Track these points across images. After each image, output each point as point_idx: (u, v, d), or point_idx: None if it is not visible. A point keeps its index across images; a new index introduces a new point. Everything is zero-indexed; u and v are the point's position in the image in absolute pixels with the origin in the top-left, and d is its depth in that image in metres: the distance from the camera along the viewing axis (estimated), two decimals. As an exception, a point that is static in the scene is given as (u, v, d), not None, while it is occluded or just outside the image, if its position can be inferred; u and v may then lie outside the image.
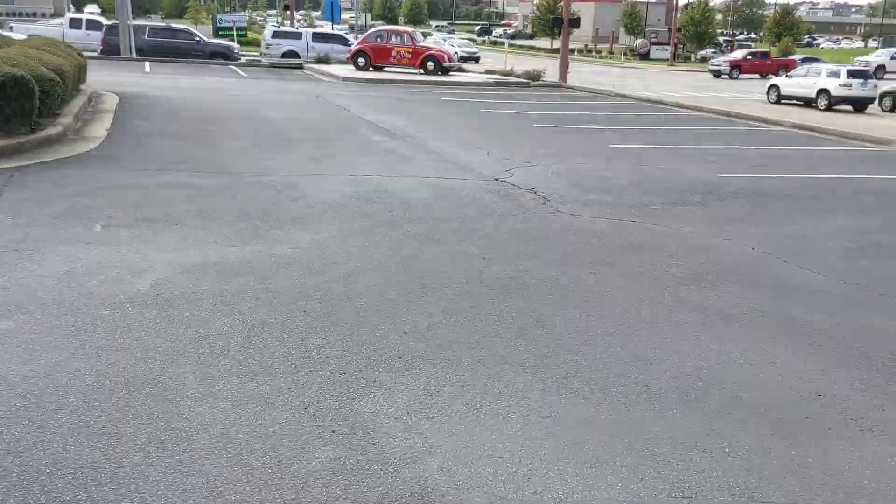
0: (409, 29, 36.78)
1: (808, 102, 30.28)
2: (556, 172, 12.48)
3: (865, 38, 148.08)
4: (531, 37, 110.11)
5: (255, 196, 9.47)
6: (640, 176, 12.55)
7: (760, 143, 18.20)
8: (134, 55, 35.45)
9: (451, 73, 34.15)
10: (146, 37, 35.76)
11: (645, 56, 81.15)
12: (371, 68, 33.85)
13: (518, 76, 35.20)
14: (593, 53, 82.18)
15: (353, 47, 34.83)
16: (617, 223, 9.16)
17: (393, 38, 33.94)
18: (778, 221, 9.78)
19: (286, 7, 66.10)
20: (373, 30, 36.05)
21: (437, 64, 33.30)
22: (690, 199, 10.86)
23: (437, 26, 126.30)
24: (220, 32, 55.40)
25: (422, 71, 33.42)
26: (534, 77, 33.79)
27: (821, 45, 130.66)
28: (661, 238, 8.54)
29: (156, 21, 58.06)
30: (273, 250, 7.18)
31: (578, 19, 36.67)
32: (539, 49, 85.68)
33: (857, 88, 29.66)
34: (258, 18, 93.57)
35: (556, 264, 7.27)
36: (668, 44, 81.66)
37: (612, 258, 7.62)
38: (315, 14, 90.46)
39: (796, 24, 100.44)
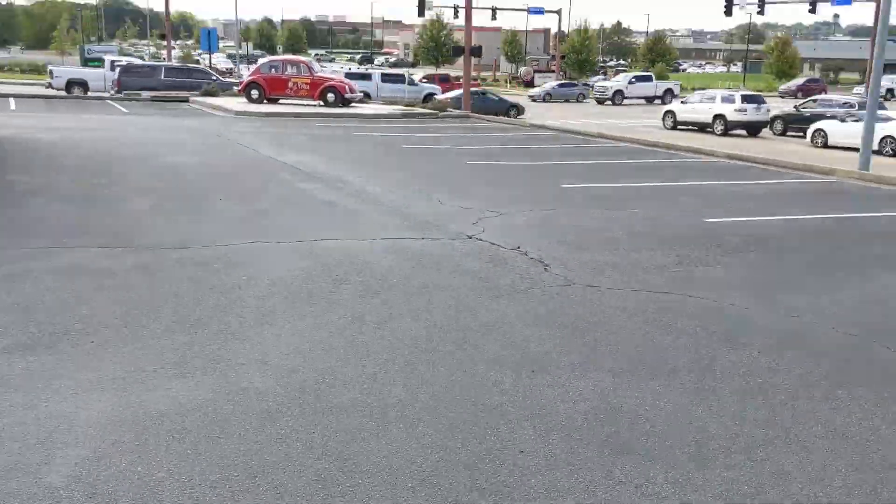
0: (305, 59, 34.48)
1: (703, 128, 30.05)
2: (530, 224, 10.66)
3: (727, 62, 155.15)
4: (413, 65, 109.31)
5: (188, 281, 7.16)
6: (622, 225, 10.87)
7: (707, 176, 16.99)
8: (-5, 90, 31.78)
9: (352, 104, 32.08)
10: None
11: (529, 84, 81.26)
12: (265, 101, 31.36)
13: (423, 107, 33.49)
14: (476, 81, 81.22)
15: (246, 78, 32.28)
16: (649, 297, 7.36)
17: (289, 69, 31.56)
18: (829, 284, 8.22)
19: (162, 36, 62.46)
20: (265, 60, 33.55)
21: (338, 95, 31.18)
22: (703, 256, 9.21)
23: (315, 55, 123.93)
24: (88, 64, 51.58)
25: (321, 103, 31.20)
26: (440, 108, 32.13)
27: (686, 70, 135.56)
28: (717, 318, 6.78)
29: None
30: (240, 383, 4.95)
31: (480, 48, 35.38)
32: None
33: (752, 113, 29.57)
34: (130, 49, 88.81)
35: (638, 381, 5.33)
36: (551, 71, 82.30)
37: (692, 358, 5.76)
38: (189, 43, 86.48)
39: (668, 51, 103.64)
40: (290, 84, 31.27)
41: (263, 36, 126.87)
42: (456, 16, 68.94)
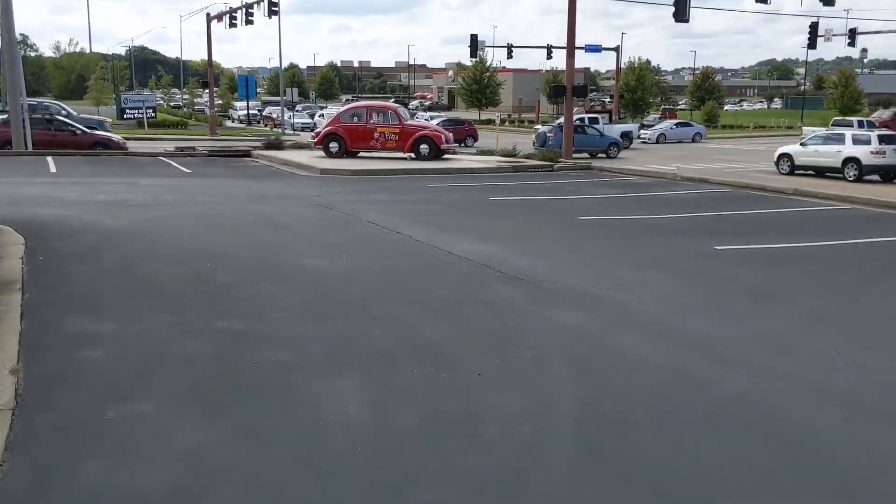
0: (394, 105, 29.09)
1: (820, 172, 24.65)
2: None
3: (769, 98, 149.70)
4: (448, 108, 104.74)
5: None
6: None
7: None
8: (30, 147, 26.67)
9: (445, 156, 26.79)
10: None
11: (580, 125, 76.00)
12: (345, 154, 26.07)
13: (527, 157, 28.14)
14: (515, 123, 75.77)
15: (323, 129, 27.09)
16: None
17: (374, 117, 26.33)
18: None
19: (204, 83, 57.80)
20: (348, 107, 28.07)
21: (434, 147, 25.83)
22: None
23: (346, 99, 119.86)
24: (124, 115, 46.82)
25: (412, 155, 25.87)
26: (551, 158, 26.71)
27: (725, 108, 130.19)
28: None
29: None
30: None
31: (585, 87, 30.05)
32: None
33: (892, 156, 24.05)
34: (160, 98, 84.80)
35: None
36: (606, 111, 77.09)
37: None
38: (215, 90, 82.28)
39: (717, 87, 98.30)
40: (377, 134, 26.04)
41: (294, 82, 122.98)
42: (510, 56, 63.98)
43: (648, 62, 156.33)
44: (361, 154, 26.90)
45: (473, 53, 61.76)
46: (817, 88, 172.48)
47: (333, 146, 26.29)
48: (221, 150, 28.93)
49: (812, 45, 49.76)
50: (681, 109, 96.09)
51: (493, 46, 65.13)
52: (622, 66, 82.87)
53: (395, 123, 26.13)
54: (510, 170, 24.83)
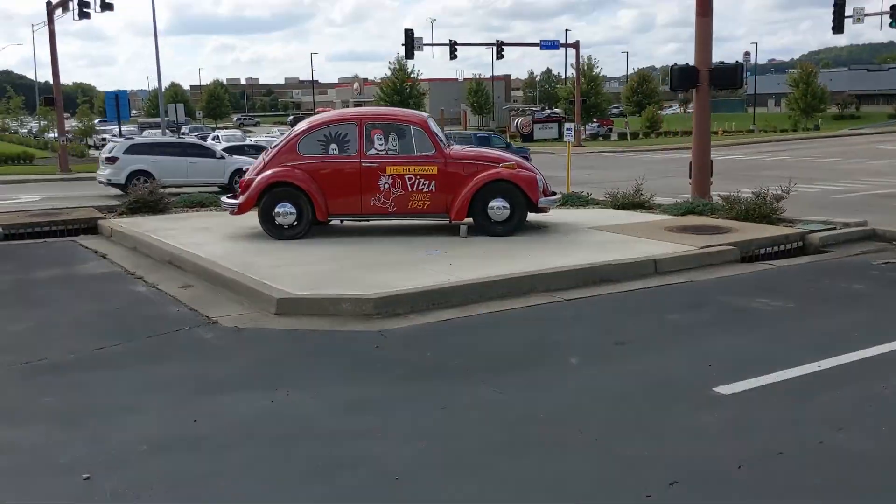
0: (420, 115, 12.86)
1: None
2: None
3: (684, 103, 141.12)
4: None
5: None
6: None
7: None
8: None
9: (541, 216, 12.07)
10: None
11: (528, 137, 62.72)
12: (308, 228, 11.18)
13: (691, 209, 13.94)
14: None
15: (256, 173, 11.84)
16: None
17: (379, 141, 11.47)
18: None
19: (49, 101, 41.24)
20: (316, 122, 12.18)
21: (521, 203, 11.16)
22: None
23: (237, 119, 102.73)
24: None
25: (465, 226, 11.11)
26: (767, 213, 12.36)
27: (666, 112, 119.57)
28: None
29: None
30: None
31: (736, 70, 16.22)
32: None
33: None
34: (12, 125, 66.29)
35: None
36: (553, 121, 64.23)
37: None
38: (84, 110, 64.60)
39: (653, 92, 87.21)
40: (385, 182, 11.34)
41: (177, 101, 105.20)
42: (454, 56, 49.91)
43: (549, 70, 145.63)
44: (348, 224, 12.01)
45: (409, 53, 47.49)
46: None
47: (286, 214, 11.34)
48: (34, 225, 13.43)
49: (838, 28, 38.40)
50: (615, 115, 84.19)
51: (433, 44, 50.99)
52: (553, 72, 69.72)
53: (429, 154, 11.38)
54: (708, 259, 10.44)
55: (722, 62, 16.68)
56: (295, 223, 11.35)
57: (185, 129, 65.35)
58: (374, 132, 11.47)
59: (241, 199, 11.45)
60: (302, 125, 11.90)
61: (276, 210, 11.35)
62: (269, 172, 11.47)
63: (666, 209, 13.47)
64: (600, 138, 62.93)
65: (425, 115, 11.90)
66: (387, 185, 11.30)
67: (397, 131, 11.45)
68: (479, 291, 8.05)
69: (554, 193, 12.10)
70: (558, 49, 55.38)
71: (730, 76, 16.13)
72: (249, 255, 9.98)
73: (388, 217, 11.52)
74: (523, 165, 11.87)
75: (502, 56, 52.29)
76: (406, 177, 11.28)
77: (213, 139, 48.67)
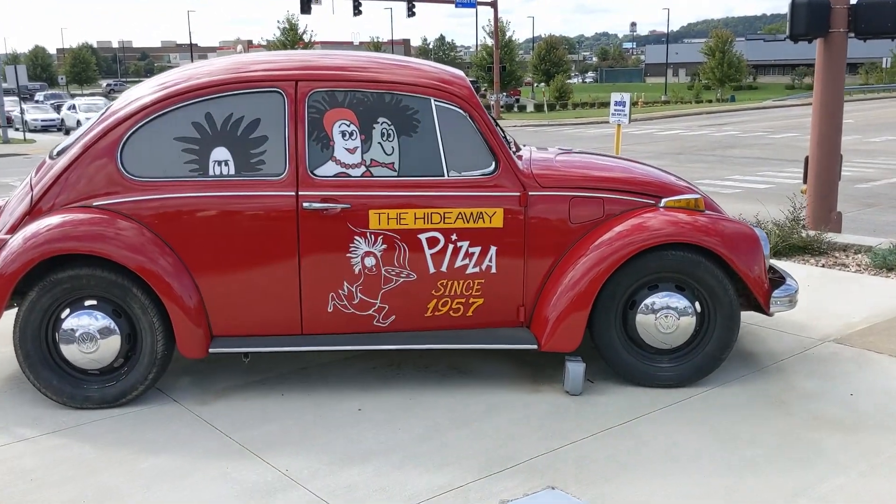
0: (451, 75, 4.49)
1: None
2: None
3: (582, 72, 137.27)
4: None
5: None
6: None
7: None
8: None
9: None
10: None
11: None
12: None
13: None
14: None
15: (22, 232, 4.18)
16: None
17: (349, 140, 3.97)
18: None
19: None
20: (178, 86, 4.15)
21: (739, 298, 4.04)
22: None
23: (107, 85, 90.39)
24: None
25: (576, 358, 4.05)
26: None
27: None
28: None
29: None
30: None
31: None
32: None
33: None
34: None
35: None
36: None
37: None
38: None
39: (562, 60, 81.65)
40: (379, 249, 3.88)
41: (38, 65, 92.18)
42: (358, 12, 42.32)
43: (443, 38, 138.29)
44: (267, 359, 4.40)
45: (305, 8, 39.70)
46: (601, 60, 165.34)
47: (91, 338, 3.95)
48: None
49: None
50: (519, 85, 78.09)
51: (334, -1, 42.96)
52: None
53: (482, 176, 4.12)
54: None
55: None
56: (117, 363, 4.05)
57: (38, 95, 54.64)
58: (333, 117, 4.12)
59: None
60: (144, 94, 4.34)
61: (66, 325, 3.98)
62: (44, 225, 4.00)
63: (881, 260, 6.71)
64: (515, 109, 56.45)
65: (461, 74, 4.54)
66: (370, 262, 4.03)
67: (395, 116, 4.17)
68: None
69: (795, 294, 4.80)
70: (474, 7, 48.26)
71: (885, 16, 9.45)
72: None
73: (373, 340, 4.22)
74: (711, 204, 4.76)
75: (413, 14, 44.64)
76: (422, 236, 4.05)
77: (69, 109, 39.36)
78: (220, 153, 4.18)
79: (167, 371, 4.40)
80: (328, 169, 4.18)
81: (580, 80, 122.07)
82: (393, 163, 4.21)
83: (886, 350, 4.81)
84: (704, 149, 23.68)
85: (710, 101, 61.09)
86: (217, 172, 4.17)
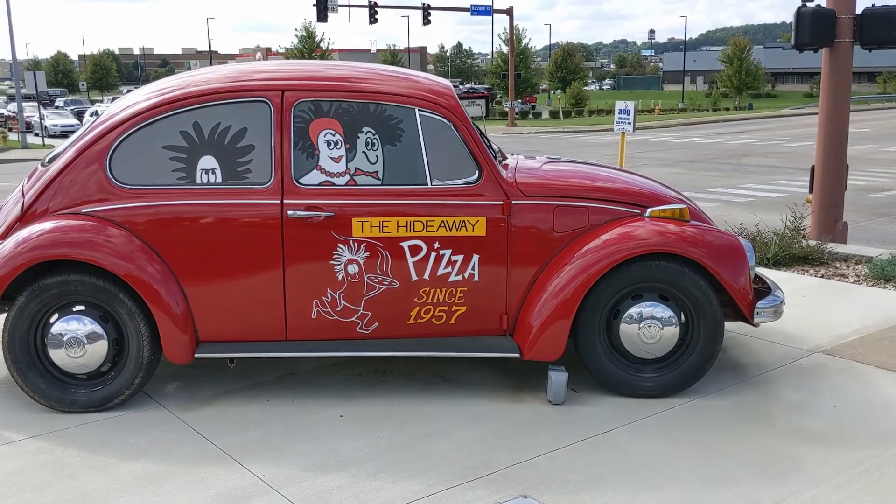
0: (437, 84, 4.54)
1: None
2: None
3: (599, 79, 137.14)
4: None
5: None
6: None
7: None
8: None
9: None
10: None
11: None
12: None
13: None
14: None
15: (13, 236, 4.26)
16: None
17: (334, 150, 4.07)
18: None
19: None
20: (168, 94, 4.26)
21: (723, 308, 4.15)
22: None
23: (128, 91, 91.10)
24: None
25: (559, 368, 4.27)
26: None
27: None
28: None
29: None
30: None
31: None
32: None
33: None
34: None
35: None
36: (479, 97, 57.27)
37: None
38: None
39: (578, 68, 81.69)
40: (362, 256, 4.04)
41: (59, 71, 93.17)
42: (374, 20, 42.52)
43: (460, 45, 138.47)
44: (251, 365, 4.40)
45: (322, 16, 39.95)
46: (619, 68, 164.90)
47: (79, 343, 4.11)
48: None
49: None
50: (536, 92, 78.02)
51: (349, 5, 43.08)
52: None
53: (465, 184, 4.17)
54: None
55: (873, 3, 9.92)
56: (104, 368, 4.10)
57: (59, 101, 55.30)
58: (319, 126, 4.16)
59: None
60: (138, 101, 4.41)
61: (54, 330, 4.04)
62: (35, 231, 4.07)
63: (879, 271, 6.65)
64: (530, 116, 56.44)
65: (448, 84, 4.55)
66: (353, 269, 4.06)
67: (379, 125, 4.20)
68: None
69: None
70: (490, 14, 48.52)
71: (890, 26, 9.40)
72: None
73: (356, 347, 4.25)
74: (698, 213, 4.76)
75: (429, 22, 44.82)
76: (405, 244, 4.07)
77: (91, 115, 39.80)
78: (208, 161, 4.22)
79: (155, 376, 4.45)
80: (313, 178, 4.22)
81: (597, 88, 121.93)
82: (377, 171, 4.23)
83: (874, 361, 4.78)
84: (719, 157, 23.59)
85: (728, 109, 60.77)
86: (204, 181, 4.21)
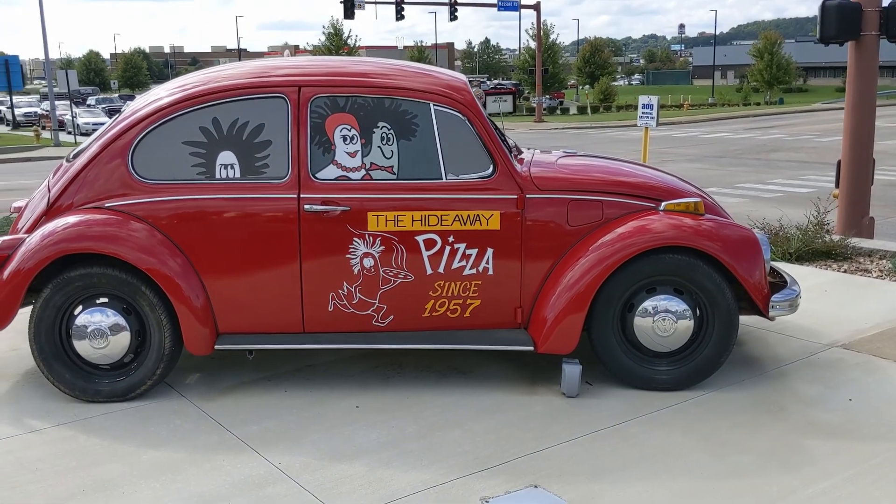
0: (453, 79, 4.60)
1: None
2: None
3: (628, 74, 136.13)
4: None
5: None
6: None
7: None
8: None
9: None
10: None
11: (479, 110, 55.16)
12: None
13: None
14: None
15: (38, 232, 4.40)
16: None
17: (349, 144, 4.09)
18: None
19: None
20: (189, 89, 4.36)
21: (739, 301, 4.12)
22: None
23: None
24: None
25: (573, 361, 4.29)
26: None
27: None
28: None
29: None
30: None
31: None
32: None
33: None
34: None
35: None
36: (507, 92, 57.08)
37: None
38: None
39: (607, 63, 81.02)
40: (377, 250, 4.10)
41: (91, 69, 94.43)
42: (400, 16, 42.54)
43: (488, 41, 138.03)
44: (268, 357, 4.48)
45: (349, 13, 40.15)
46: (648, 63, 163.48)
47: (102, 334, 4.21)
48: None
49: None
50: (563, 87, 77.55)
51: (377, 2, 43.11)
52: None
53: (480, 179, 4.20)
54: None
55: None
56: (126, 358, 4.23)
57: (90, 100, 56.07)
58: (335, 121, 4.23)
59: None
60: (160, 97, 4.51)
61: (78, 322, 4.15)
62: (60, 225, 4.18)
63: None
64: (558, 112, 56.20)
65: (463, 78, 4.61)
66: (368, 263, 4.12)
67: (395, 120, 4.25)
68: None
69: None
70: (517, 10, 48.43)
71: None
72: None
73: (372, 339, 4.31)
74: (714, 207, 4.76)
75: (456, 17, 44.87)
76: (420, 238, 4.12)
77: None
78: (227, 156, 4.30)
79: (177, 367, 4.55)
80: (329, 172, 4.28)
81: (626, 83, 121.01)
82: (392, 166, 4.29)
83: (892, 356, 4.75)
84: (748, 152, 23.38)
85: (759, 104, 60.04)
86: (223, 175, 4.29)
